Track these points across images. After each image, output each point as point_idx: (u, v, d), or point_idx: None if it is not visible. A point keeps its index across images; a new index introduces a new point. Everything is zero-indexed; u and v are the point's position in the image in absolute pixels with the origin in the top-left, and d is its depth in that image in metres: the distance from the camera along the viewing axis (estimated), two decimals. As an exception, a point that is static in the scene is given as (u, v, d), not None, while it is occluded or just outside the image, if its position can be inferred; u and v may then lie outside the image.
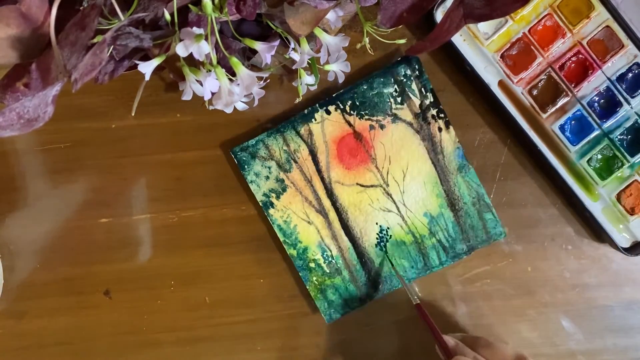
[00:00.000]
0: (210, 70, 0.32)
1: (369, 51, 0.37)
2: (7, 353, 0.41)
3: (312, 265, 0.40)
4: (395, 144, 0.40)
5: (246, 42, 0.32)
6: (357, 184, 0.40)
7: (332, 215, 0.40)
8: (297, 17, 0.30)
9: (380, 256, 0.40)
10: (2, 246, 0.41)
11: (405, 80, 0.40)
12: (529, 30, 0.39)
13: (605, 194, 0.40)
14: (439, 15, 0.38)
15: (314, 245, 0.40)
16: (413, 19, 0.31)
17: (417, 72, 0.39)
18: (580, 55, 0.39)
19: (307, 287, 0.40)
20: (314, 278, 0.40)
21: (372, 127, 0.40)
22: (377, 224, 0.40)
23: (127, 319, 0.41)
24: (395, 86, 0.40)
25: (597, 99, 0.40)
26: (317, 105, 0.40)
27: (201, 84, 0.32)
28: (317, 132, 0.40)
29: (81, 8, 0.29)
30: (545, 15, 0.39)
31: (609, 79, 0.40)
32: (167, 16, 0.29)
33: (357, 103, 0.40)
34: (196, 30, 0.29)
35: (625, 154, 0.40)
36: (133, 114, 0.40)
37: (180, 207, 0.41)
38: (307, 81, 0.38)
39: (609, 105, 0.40)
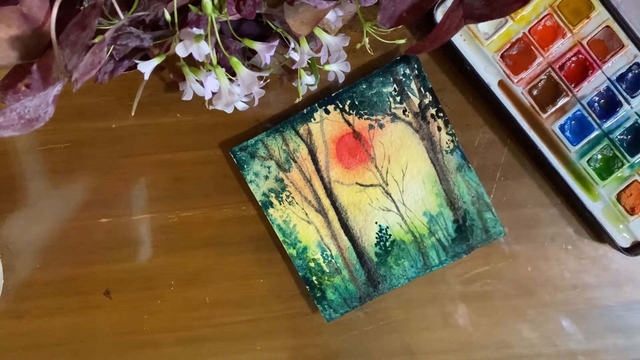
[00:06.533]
0: (210, 70, 0.32)
1: (369, 51, 0.37)
2: (7, 353, 0.41)
3: (312, 264, 0.40)
4: (395, 143, 0.40)
5: (245, 42, 0.32)
6: (357, 183, 0.40)
7: (332, 214, 0.40)
8: (297, 17, 0.31)
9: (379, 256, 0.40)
10: (2, 246, 0.41)
11: (404, 79, 0.40)
12: (529, 30, 0.39)
13: (605, 194, 0.40)
14: (439, 15, 0.38)
15: (314, 244, 0.40)
16: (413, 19, 0.31)
17: (416, 72, 0.40)
18: (580, 55, 0.39)
19: (307, 287, 0.40)
20: (314, 277, 0.40)
21: (371, 127, 0.40)
22: (376, 223, 0.40)
23: (127, 319, 0.41)
24: (395, 85, 0.40)
25: (597, 99, 0.40)
26: (316, 104, 0.40)
27: (201, 84, 0.33)
28: (317, 132, 0.40)
29: (81, 8, 0.29)
30: (545, 15, 0.39)
31: (609, 79, 0.40)
32: (167, 16, 0.30)
33: (356, 102, 0.40)
34: (196, 30, 0.29)
35: (625, 154, 0.40)
36: (133, 114, 0.40)
37: (180, 207, 0.41)
38: (307, 81, 0.38)
39: (609, 105, 0.40)
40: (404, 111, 0.40)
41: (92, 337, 0.41)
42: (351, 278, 0.40)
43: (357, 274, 0.40)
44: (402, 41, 0.36)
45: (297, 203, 0.40)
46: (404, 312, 0.41)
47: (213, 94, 0.33)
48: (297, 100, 0.38)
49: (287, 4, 0.31)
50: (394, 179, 0.40)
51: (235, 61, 0.31)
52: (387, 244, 0.40)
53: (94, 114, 0.40)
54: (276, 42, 0.32)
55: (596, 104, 0.40)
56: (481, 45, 0.39)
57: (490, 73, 0.39)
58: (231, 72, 0.32)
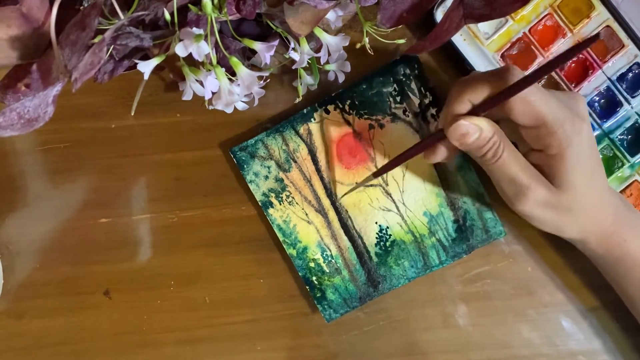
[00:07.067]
0: (210, 70, 0.32)
1: (369, 51, 0.37)
2: (7, 353, 0.41)
3: (312, 265, 0.40)
4: (395, 143, 0.40)
5: (245, 42, 0.32)
6: (357, 183, 0.40)
7: (332, 214, 0.40)
8: (297, 16, 0.30)
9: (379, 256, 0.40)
10: (2, 246, 0.41)
11: (404, 79, 0.40)
12: (529, 30, 0.39)
13: (605, 194, 0.40)
14: (439, 15, 0.38)
15: (314, 244, 0.40)
16: (413, 19, 0.31)
17: (416, 72, 0.39)
18: (581, 55, 0.39)
19: (307, 287, 0.40)
20: (314, 278, 0.40)
21: (371, 127, 0.40)
22: (376, 223, 0.40)
23: (127, 319, 0.41)
24: (395, 85, 0.40)
25: (597, 98, 0.40)
26: (316, 104, 0.40)
27: (201, 84, 0.33)
28: (316, 132, 0.40)
29: (81, 8, 0.29)
30: (546, 15, 0.39)
31: (609, 78, 0.40)
32: (167, 16, 0.30)
33: (357, 102, 0.40)
34: (196, 30, 0.29)
35: (626, 154, 0.40)
36: (133, 114, 0.40)
37: (180, 207, 0.41)
38: (307, 81, 0.38)
39: (609, 105, 0.40)
40: (404, 111, 0.40)
41: (92, 337, 0.41)
42: (351, 278, 0.40)
43: (357, 274, 0.40)
44: (402, 41, 0.36)
45: (297, 203, 0.40)
46: (404, 312, 0.41)
47: (213, 93, 0.33)
48: (297, 100, 0.38)
49: (287, 4, 0.31)
50: (394, 179, 0.40)
51: (235, 61, 0.31)
52: (387, 244, 0.40)
53: (94, 114, 0.40)
54: (276, 42, 0.32)
55: (596, 104, 0.40)
56: (481, 45, 0.39)
57: (490, 73, 0.39)
58: (231, 72, 0.32)
